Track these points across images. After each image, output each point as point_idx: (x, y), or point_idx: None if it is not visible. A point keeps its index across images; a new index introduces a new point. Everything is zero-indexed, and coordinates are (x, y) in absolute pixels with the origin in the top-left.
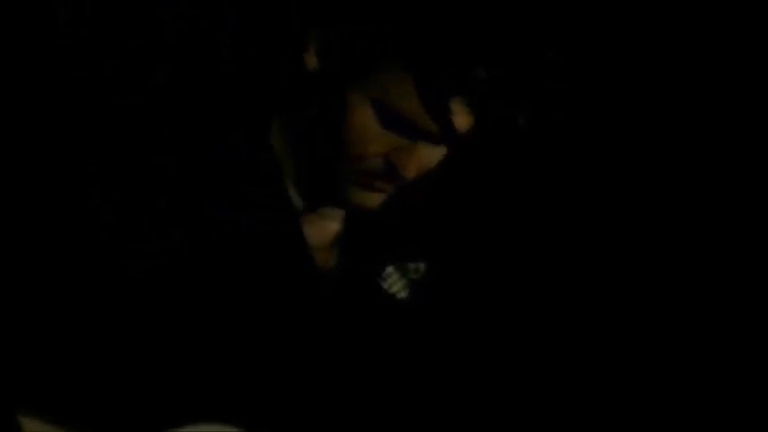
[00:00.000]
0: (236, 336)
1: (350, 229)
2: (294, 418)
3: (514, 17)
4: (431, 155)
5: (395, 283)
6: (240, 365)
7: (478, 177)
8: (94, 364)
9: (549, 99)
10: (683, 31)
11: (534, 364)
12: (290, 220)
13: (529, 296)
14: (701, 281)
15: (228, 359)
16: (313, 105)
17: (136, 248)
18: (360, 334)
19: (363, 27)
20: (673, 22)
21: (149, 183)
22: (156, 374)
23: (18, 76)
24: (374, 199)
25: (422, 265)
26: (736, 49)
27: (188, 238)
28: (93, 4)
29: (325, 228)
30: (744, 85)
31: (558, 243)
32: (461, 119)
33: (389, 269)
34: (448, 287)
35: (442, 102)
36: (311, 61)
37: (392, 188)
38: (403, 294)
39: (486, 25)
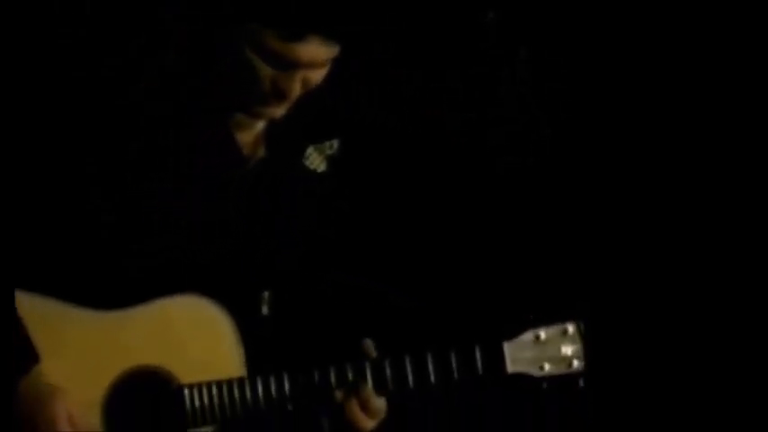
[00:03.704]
0: None
1: (271, 130)
2: None
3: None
4: (311, 78)
5: (315, 160)
6: None
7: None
8: None
9: (548, 101)
10: (683, 31)
11: None
12: None
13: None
14: (702, 281)
15: None
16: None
17: (136, 248)
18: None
19: None
20: (673, 23)
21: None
22: None
23: (18, 76)
24: (275, 110)
25: (335, 142)
26: (736, 49)
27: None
28: (92, 4)
29: (252, 127)
30: (744, 86)
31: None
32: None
33: (309, 149)
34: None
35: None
36: None
37: (284, 104)
38: (322, 168)
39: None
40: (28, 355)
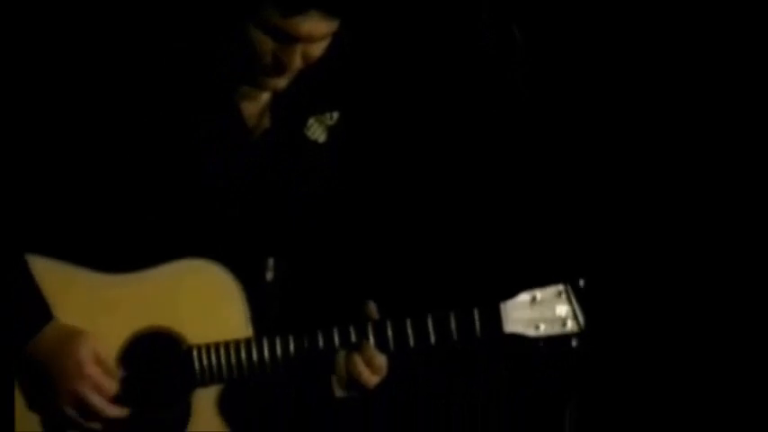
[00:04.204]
0: None
1: (276, 102)
2: None
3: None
4: (311, 51)
5: (316, 130)
6: None
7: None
8: None
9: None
10: (683, 31)
11: None
12: None
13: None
14: (701, 281)
15: None
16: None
17: (145, 217)
18: None
19: None
20: (673, 23)
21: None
22: None
23: (18, 75)
24: (277, 82)
25: (336, 114)
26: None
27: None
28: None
29: (257, 98)
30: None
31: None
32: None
33: (311, 120)
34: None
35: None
36: None
37: (285, 76)
38: (323, 138)
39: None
40: (42, 313)
